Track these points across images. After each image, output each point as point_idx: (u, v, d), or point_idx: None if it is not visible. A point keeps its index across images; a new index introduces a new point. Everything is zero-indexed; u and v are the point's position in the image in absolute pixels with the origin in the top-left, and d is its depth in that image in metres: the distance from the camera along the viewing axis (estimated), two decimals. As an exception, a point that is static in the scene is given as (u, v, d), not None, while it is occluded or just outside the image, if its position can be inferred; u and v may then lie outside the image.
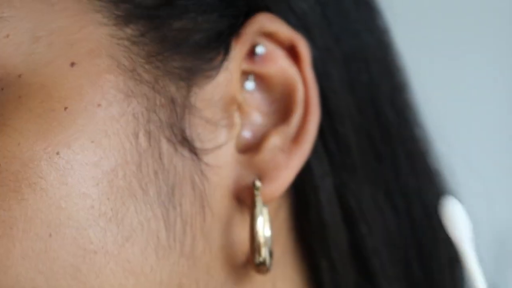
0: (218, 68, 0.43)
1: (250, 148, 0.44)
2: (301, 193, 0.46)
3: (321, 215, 0.46)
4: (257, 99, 0.45)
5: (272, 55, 0.44)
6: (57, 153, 0.39)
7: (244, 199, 0.44)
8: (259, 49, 0.44)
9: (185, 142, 0.42)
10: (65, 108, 0.39)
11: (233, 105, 0.43)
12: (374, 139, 0.49)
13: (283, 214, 0.46)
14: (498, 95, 0.88)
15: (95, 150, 0.39)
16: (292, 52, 0.45)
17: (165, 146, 0.41)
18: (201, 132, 0.42)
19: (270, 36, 0.44)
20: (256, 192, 0.43)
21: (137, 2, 0.41)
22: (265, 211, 0.43)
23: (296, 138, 0.44)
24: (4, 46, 0.39)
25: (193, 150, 0.42)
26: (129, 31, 0.41)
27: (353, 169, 0.47)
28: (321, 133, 0.45)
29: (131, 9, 0.41)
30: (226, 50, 0.43)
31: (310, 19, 0.47)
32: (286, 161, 0.44)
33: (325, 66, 0.47)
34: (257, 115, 0.45)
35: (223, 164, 0.43)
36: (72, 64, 0.40)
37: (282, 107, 0.45)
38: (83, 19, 0.41)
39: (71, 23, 0.40)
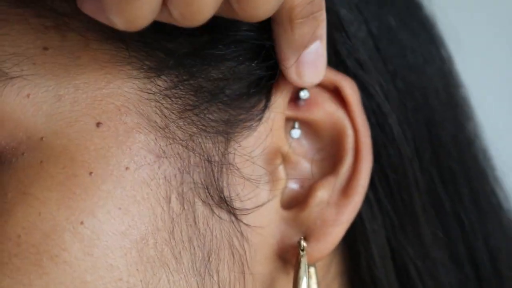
0: (259, 117, 0.39)
1: (296, 202, 0.41)
2: (352, 246, 0.43)
3: (373, 271, 0.43)
4: (305, 147, 0.41)
5: (317, 99, 0.41)
6: (81, 223, 0.36)
7: (290, 258, 0.40)
8: (303, 94, 0.41)
9: (223, 204, 0.38)
10: (90, 173, 0.36)
11: (277, 158, 0.40)
12: (434, 183, 0.45)
13: (335, 268, 0.43)
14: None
15: (122, 218, 0.36)
16: (338, 94, 0.41)
17: (200, 209, 0.38)
18: (240, 191, 0.39)
19: None
20: (302, 253, 0.39)
21: (170, 49, 0.38)
22: (312, 270, 0.40)
23: (346, 190, 0.40)
24: (24, 107, 0.36)
25: (231, 211, 0.38)
26: (160, 83, 0.38)
27: (409, 219, 0.43)
28: (372, 180, 0.42)
29: (164, 59, 0.38)
30: (267, 97, 0.40)
31: (361, 55, 0.43)
32: (335, 217, 0.40)
33: (379, 108, 0.43)
34: (305, 163, 0.41)
35: (266, 223, 0.39)
36: (98, 124, 0.37)
37: (331, 155, 0.41)
38: (110, 72, 0.37)
39: (97, 77, 0.37)
